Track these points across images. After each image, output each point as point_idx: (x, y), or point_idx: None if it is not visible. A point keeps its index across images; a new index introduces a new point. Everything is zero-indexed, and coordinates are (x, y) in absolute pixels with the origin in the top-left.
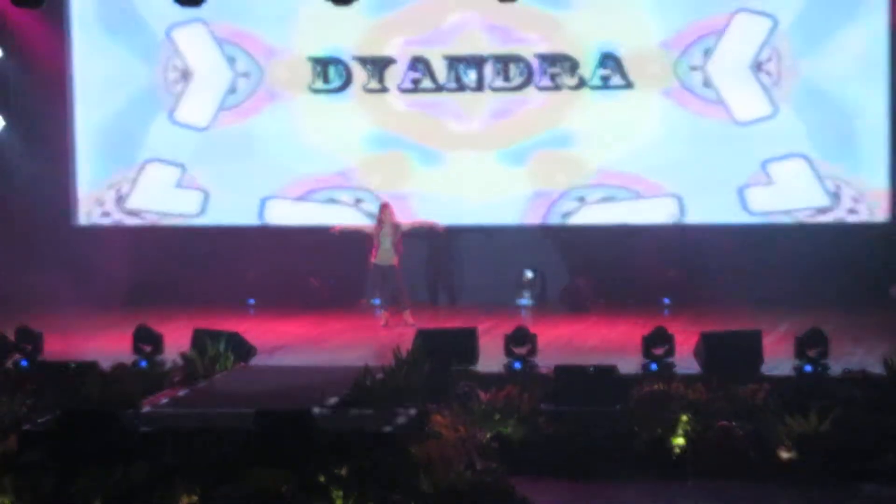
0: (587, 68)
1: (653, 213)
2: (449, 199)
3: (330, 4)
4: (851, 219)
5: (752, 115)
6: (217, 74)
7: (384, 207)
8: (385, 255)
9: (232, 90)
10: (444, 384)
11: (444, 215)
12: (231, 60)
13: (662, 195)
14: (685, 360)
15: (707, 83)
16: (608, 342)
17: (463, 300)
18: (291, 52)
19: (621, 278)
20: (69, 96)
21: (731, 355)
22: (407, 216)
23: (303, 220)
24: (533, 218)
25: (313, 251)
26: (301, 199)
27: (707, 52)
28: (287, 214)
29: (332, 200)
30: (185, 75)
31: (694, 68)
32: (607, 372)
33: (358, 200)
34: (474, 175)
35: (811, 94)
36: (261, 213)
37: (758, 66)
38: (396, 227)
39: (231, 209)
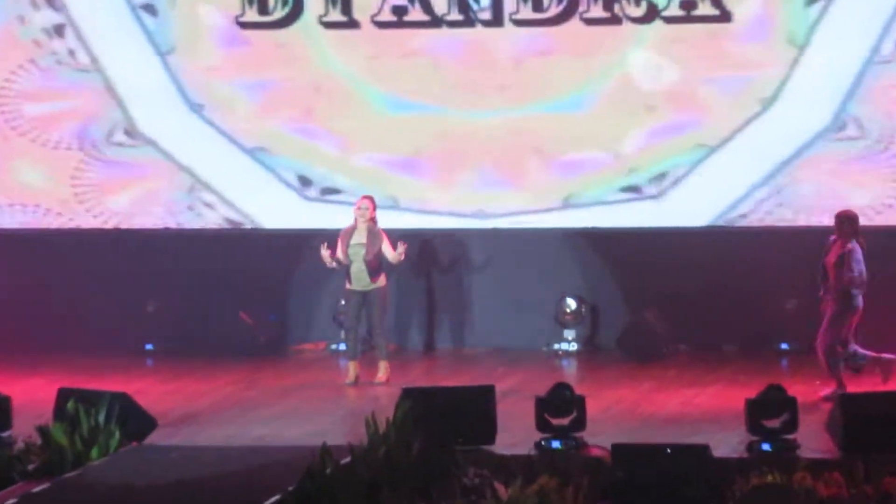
0: None
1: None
2: (450, 190)
3: None
4: None
5: None
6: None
7: (364, 202)
8: (362, 276)
9: None
10: (444, 473)
11: (440, 214)
12: None
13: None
14: (814, 437)
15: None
16: (694, 409)
17: (472, 343)
18: None
19: (713, 310)
20: None
21: (884, 430)
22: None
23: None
24: (575, 219)
25: (244, 270)
26: None
27: None
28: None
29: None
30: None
31: None
32: (694, 454)
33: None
34: (484, 152)
35: None
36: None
37: None
38: (378, 235)
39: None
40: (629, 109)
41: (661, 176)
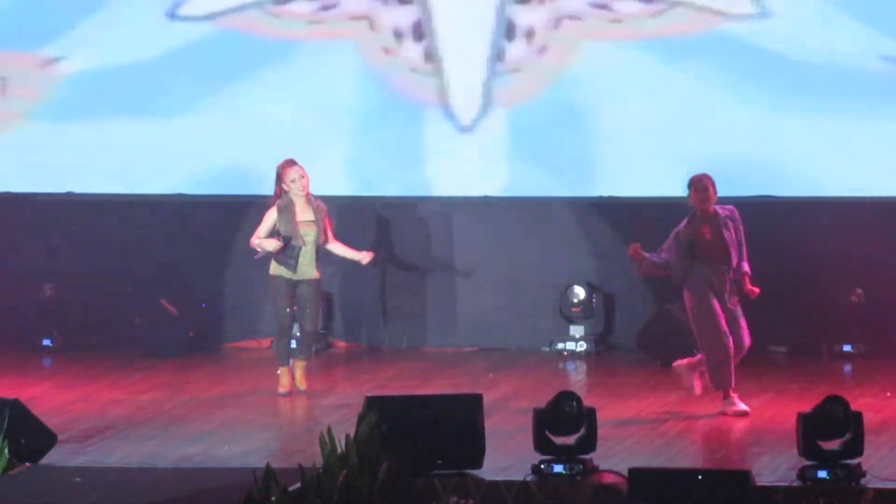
0: None
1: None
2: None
3: None
4: None
5: None
6: None
7: (288, 168)
8: (309, 262)
9: None
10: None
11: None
12: None
13: None
14: (884, 461)
15: None
16: (733, 425)
17: (455, 341)
18: None
19: (757, 302)
20: None
21: None
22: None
23: None
24: (586, 186)
25: (167, 245)
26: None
27: None
28: None
29: None
30: None
31: None
32: (732, 482)
33: None
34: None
35: None
36: None
37: None
38: (322, 211)
39: None
40: None
41: None
